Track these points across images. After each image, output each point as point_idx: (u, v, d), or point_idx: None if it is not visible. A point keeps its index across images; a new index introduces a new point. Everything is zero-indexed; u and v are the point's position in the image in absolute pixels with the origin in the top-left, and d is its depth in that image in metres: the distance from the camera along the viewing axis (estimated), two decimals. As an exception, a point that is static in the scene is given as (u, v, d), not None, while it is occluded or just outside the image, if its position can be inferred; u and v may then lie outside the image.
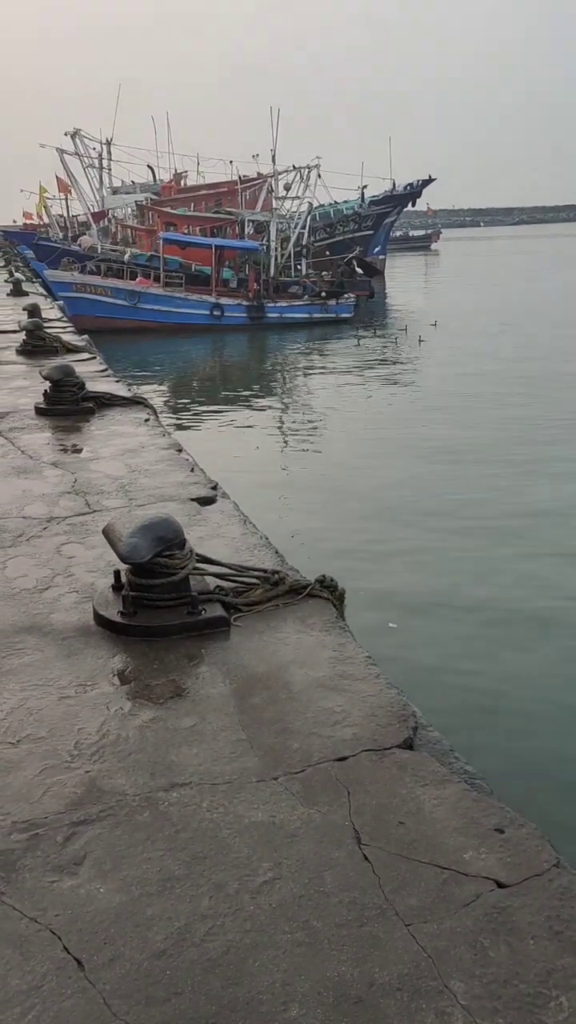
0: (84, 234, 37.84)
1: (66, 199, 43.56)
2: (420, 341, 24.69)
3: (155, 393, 18.29)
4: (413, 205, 51.04)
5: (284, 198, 33.84)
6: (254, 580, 3.23)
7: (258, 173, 38.96)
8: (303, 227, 31.84)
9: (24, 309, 12.54)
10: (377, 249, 46.05)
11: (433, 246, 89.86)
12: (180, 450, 5.52)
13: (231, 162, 46.00)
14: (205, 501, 4.41)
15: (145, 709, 2.54)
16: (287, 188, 33.65)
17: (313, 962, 1.65)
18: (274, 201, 33.59)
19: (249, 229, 31.85)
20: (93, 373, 8.23)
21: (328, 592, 3.21)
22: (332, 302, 29.07)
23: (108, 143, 40.87)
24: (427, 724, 2.47)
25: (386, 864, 1.90)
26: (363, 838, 1.98)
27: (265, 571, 3.27)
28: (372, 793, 2.13)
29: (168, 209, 35.78)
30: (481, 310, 29.53)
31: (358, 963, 1.65)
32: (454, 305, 33.60)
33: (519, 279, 48.06)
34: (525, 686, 6.27)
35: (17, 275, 21.16)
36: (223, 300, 27.89)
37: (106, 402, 6.80)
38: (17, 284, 18.46)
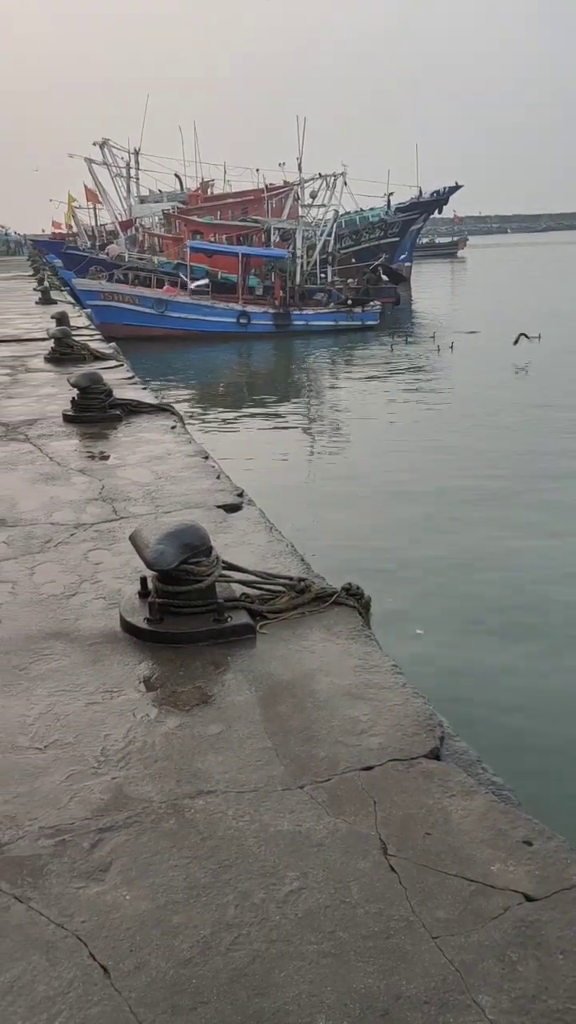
0: (112, 243, 38.16)
1: (94, 208, 44.03)
2: (451, 347, 24.61)
3: (182, 400, 18.39)
4: (440, 212, 50.90)
5: (310, 206, 33.95)
6: (280, 587, 3.23)
7: (284, 181, 39.11)
8: (329, 234, 31.89)
9: (52, 317, 12.68)
10: (403, 256, 45.96)
11: (459, 253, 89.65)
12: (206, 457, 5.54)
13: (257, 170, 46.30)
14: (231, 508, 4.42)
15: (171, 716, 2.55)
16: (313, 196, 33.75)
17: (339, 973, 1.64)
18: (300, 209, 33.70)
19: (275, 237, 31.96)
20: (120, 380, 8.29)
21: (354, 600, 3.20)
22: (358, 309, 29.07)
23: (136, 152, 41.26)
24: (454, 734, 2.45)
25: (413, 875, 1.88)
26: (389, 849, 1.96)
27: (291, 578, 3.27)
28: (398, 803, 2.12)
29: (195, 217, 36.01)
30: (512, 317, 29.30)
31: (385, 975, 1.63)
32: (482, 313, 33.43)
33: (548, 286, 47.73)
34: (556, 695, 6.20)
35: (46, 283, 21.40)
36: (249, 308, 28.00)
37: (133, 409, 6.85)
38: (46, 292, 18.68)
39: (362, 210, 45.22)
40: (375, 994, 1.59)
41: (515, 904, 1.80)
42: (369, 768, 2.26)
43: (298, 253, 30.13)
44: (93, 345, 10.64)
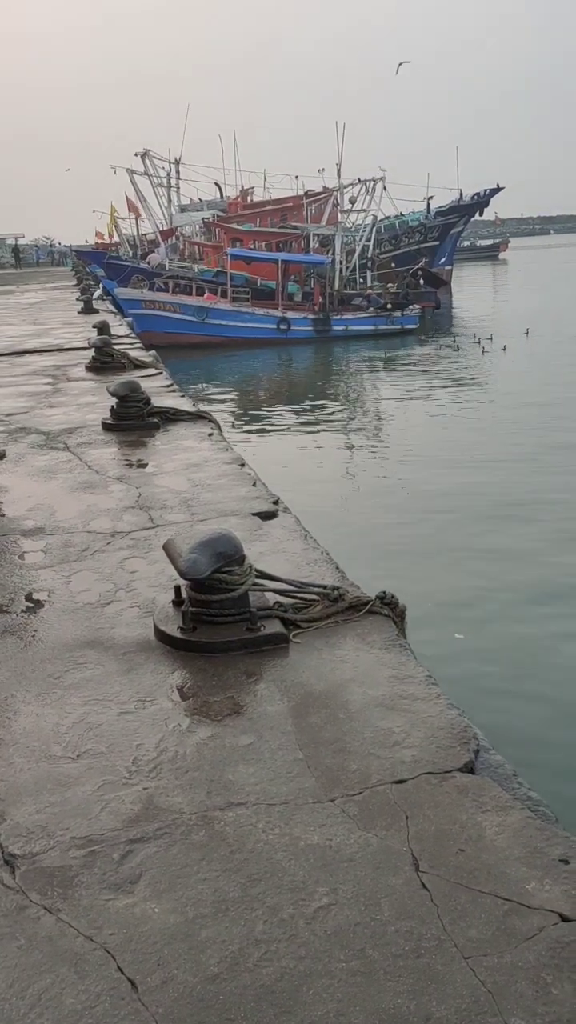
0: (153, 252, 38.55)
1: (136, 218, 44.53)
2: (503, 349, 24.38)
3: (221, 407, 18.46)
4: (481, 215, 50.53)
5: (350, 211, 33.92)
6: (314, 596, 3.21)
7: (324, 187, 39.15)
8: (368, 239, 31.83)
9: (94, 326, 12.83)
10: (443, 260, 45.68)
11: (501, 255, 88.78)
12: (243, 464, 5.54)
13: (297, 177, 46.39)
14: (267, 516, 4.41)
15: (203, 726, 2.54)
16: (352, 201, 33.72)
17: (368, 993, 1.61)
18: (339, 214, 33.68)
19: (314, 243, 31.99)
20: (159, 388, 8.35)
21: (388, 609, 3.16)
22: (397, 313, 28.96)
23: (177, 162, 41.64)
24: (489, 747, 2.40)
25: (445, 893, 1.84)
26: (421, 865, 1.93)
27: (325, 587, 3.25)
28: (431, 818, 2.08)
29: (234, 225, 36.21)
30: (557, 319, 28.90)
31: (415, 995, 1.60)
32: (525, 315, 33.03)
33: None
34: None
35: (89, 293, 21.68)
36: (289, 314, 28.06)
37: (171, 417, 6.89)
38: (88, 302, 18.91)
39: (401, 214, 45.07)
40: (405, 1015, 1.56)
41: (550, 924, 1.75)
42: (402, 781, 2.23)
43: (337, 259, 30.12)
44: (133, 353, 10.73)
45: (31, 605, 3.50)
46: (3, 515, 4.77)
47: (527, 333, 27.01)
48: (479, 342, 26.09)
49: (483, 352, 24.49)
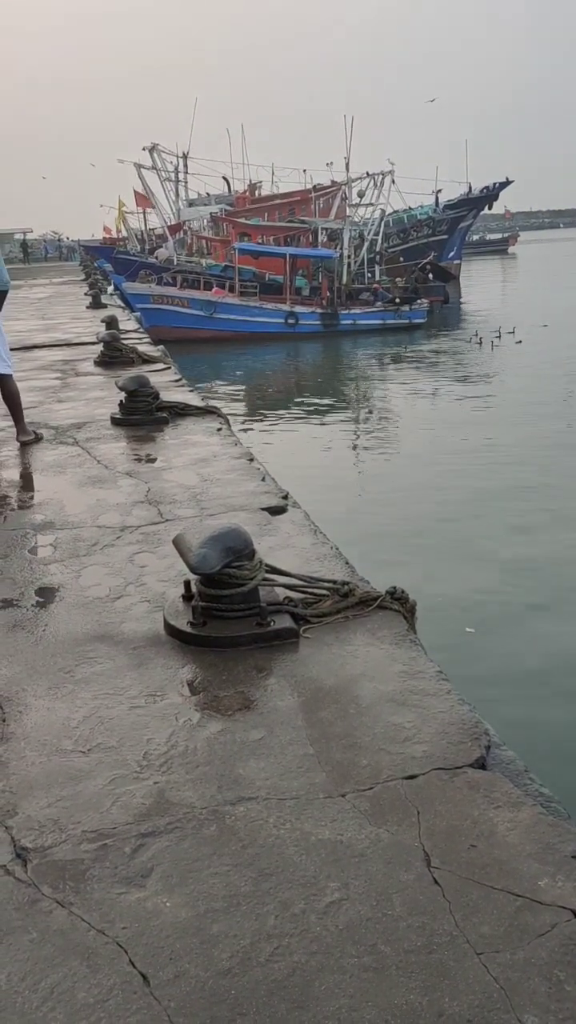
0: (161, 246, 38.52)
1: (144, 213, 44.46)
2: (519, 342, 24.27)
3: (229, 402, 18.46)
4: (490, 208, 50.23)
5: (358, 205, 33.78)
6: (324, 591, 3.20)
7: (332, 181, 39.01)
8: (376, 233, 31.71)
9: (102, 321, 12.83)
10: (452, 254, 45.48)
11: (511, 249, 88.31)
12: (252, 459, 5.53)
13: (304, 171, 46.28)
14: (276, 511, 4.41)
15: (213, 721, 2.54)
16: (361, 195, 33.57)
17: (380, 988, 1.61)
18: (347, 209, 33.56)
19: (323, 237, 31.89)
20: (167, 383, 8.35)
21: (399, 604, 3.15)
22: (405, 308, 28.87)
23: (185, 156, 41.55)
24: (500, 743, 2.40)
25: (457, 889, 1.84)
26: (433, 860, 1.92)
27: (335, 582, 3.24)
28: (442, 814, 2.08)
29: (242, 219, 36.13)
30: (565, 313, 28.72)
31: (427, 992, 1.60)
32: (535, 309, 32.88)
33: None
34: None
35: (98, 288, 21.69)
36: (297, 308, 28.01)
37: (180, 412, 6.88)
38: (96, 297, 18.92)
39: (410, 208, 44.87)
40: (417, 1011, 1.56)
41: (563, 921, 1.74)
42: (413, 777, 2.22)
43: (345, 253, 30.04)
44: (141, 348, 10.73)
45: (41, 600, 3.51)
46: (13, 509, 4.78)
47: (545, 326, 26.76)
48: (499, 335, 25.87)
49: (492, 347, 24.37)
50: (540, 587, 8.03)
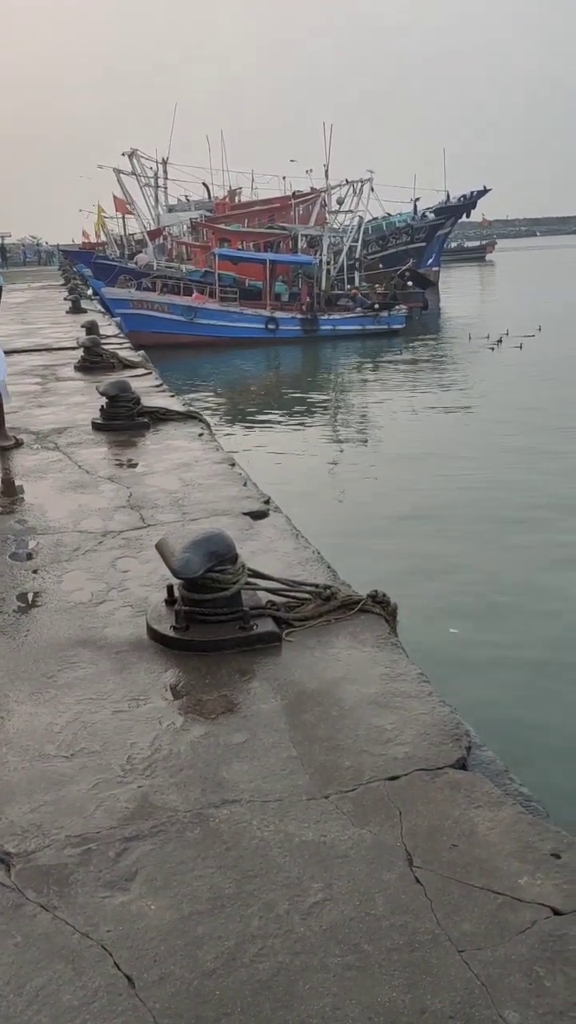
0: (140, 252, 38.46)
1: (123, 218, 44.40)
2: (494, 346, 24.46)
3: (210, 407, 18.45)
4: (468, 216, 50.68)
5: (337, 212, 33.95)
6: (306, 595, 3.23)
7: (311, 188, 39.17)
8: (355, 240, 31.87)
9: (82, 326, 12.80)
10: (431, 261, 45.80)
11: (488, 257, 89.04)
12: (233, 464, 5.55)
13: (284, 178, 46.41)
14: (257, 515, 4.43)
15: (197, 724, 2.55)
16: (340, 202, 33.75)
17: (364, 987, 1.63)
18: (327, 215, 33.71)
19: (302, 243, 32.01)
20: (148, 388, 8.35)
21: (380, 607, 3.18)
22: (384, 314, 29.05)
23: (164, 162, 41.56)
24: (481, 744, 2.43)
25: (439, 888, 1.86)
26: (415, 860, 1.95)
27: (317, 586, 3.27)
28: (424, 814, 2.10)
29: (222, 225, 36.18)
30: (540, 319, 28.94)
31: (410, 989, 1.62)
32: (511, 315, 33.15)
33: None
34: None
35: (77, 292, 21.62)
36: (277, 314, 28.09)
37: (161, 417, 6.89)
38: (76, 301, 18.86)
39: (389, 215, 45.17)
40: (400, 1008, 1.58)
41: (543, 918, 1.77)
42: (395, 778, 2.24)
43: (324, 259, 30.16)
44: (122, 353, 10.72)
45: (23, 605, 3.50)
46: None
47: (539, 329, 26.90)
48: (498, 340, 25.98)
49: (493, 350, 24.55)
50: (523, 588, 8.10)
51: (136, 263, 34.75)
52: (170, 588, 3.20)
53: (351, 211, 33.15)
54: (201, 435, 6.44)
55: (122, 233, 45.80)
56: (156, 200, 41.17)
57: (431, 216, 44.50)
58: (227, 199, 45.69)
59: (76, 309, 18.17)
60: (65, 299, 20.85)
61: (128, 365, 9.92)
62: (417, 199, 46.78)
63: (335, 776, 2.26)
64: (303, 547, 3.94)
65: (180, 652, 2.97)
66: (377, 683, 2.73)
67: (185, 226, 41.47)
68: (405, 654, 2.94)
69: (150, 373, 9.60)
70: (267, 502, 4.64)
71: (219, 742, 2.45)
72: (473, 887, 1.86)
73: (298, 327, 28.19)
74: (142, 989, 1.65)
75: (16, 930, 1.80)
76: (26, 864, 1.99)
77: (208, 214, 40.58)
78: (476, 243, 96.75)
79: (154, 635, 3.07)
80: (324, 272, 29.95)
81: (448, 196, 47.61)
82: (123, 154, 38.04)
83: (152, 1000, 1.62)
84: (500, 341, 25.58)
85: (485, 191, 48.21)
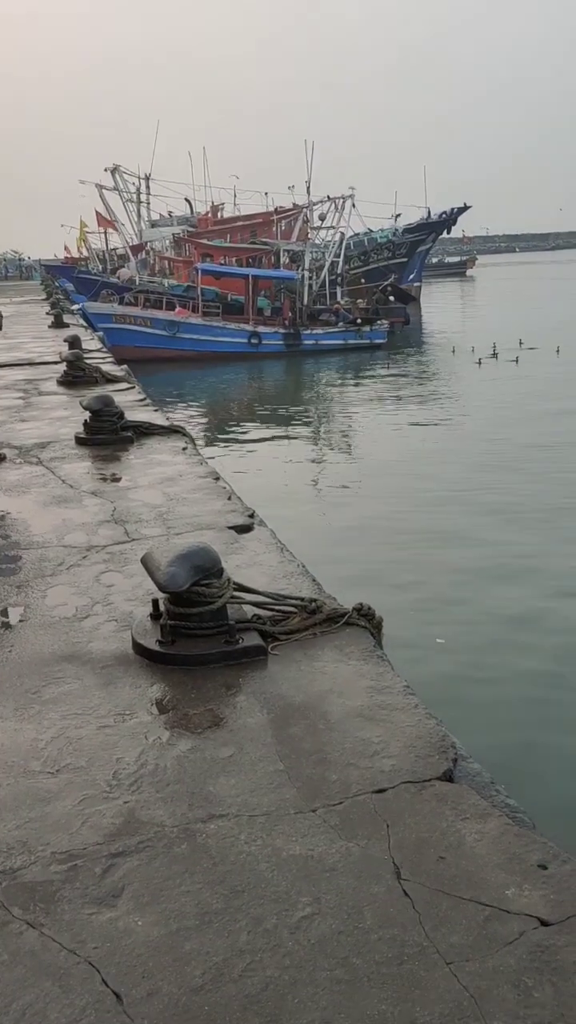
0: (123, 267, 38.52)
1: (105, 233, 44.50)
2: (477, 363, 24.66)
3: (194, 421, 18.47)
4: (448, 232, 51.19)
5: (319, 228, 34.20)
6: (291, 608, 3.23)
7: (293, 204, 39.45)
8: (337, 255, 32.11)
9: (65, 340, 12.79)
10: (412, 276, 46.19)
11: (469, 272, 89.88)
12: (217, 478, 5.56)
13: (266, 194, 46.75)
14: (242, 529, 4.43)
15: (183, 739, 2.55)
16: (322, 218, 34.00)
17: (353, 1000, 1.63)
18: (309, 231, 33.94)
19: (284, 258, 32.20)
20: (132, 403, 8.35)
21: (366, 620, 3.19)
22: (366, 328, 29.26)
23: (147, 178, 41.75)
24: (467, 755, 2.43)
25: (427, 900, 1.87)
26: (403, 873, 1.95)
27: (302, 599, 3.27)
28: (411, 826, 2.10)
29: (204, 240, 36.33)
30: (529, 334, 29.23)
31: (398, 1002, 1.62)
32: (491, 330, 33.46)
33: (561, 304, 47.68)
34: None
35: (59, 307, 21.62)
36: (260, 328, 28.22)
37: (145, 431, 6.89)
38: (58, 316, 18.85)
39: (370, 231, 45.55)
40: (389, 1021, 1.58)
41: (530, 929, 1.78)
42: (382, 791, 2.25)
43: (306, 274, 30.36)
44: (105, 368, 10.72)
45: (6, 620, 3.48)
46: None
47: (521, 345, 27.15)
48: (494, 354, 26.16)
49: (480, 364, 24.72)
50: (508, 598, 8.14)
51: (119, 278, 34.80)
52: (155, 602, 3.19)
53: (333, 227, 33.41)
54: (185, 449, 6.45)
55: (104, 248, 45.89)
56: (139, 215, 41.31)
57: (400, 234, 44.98)
58: (210, 214, 45.89)
59: (58, 323, 18.15)
60: (47, 313, 20.82)
61: (111, 379, 9.92)
62: (398, 215, 47.25)
63: (322, 789, 2.26)
64: (288, 560, 3.95)
65: (166, 666, 2.96)
66: (363, 696, 2.73)
67: (168, 241, 41.62)
68: (391, 666, 2.95)
69: (133, 387, 9.60)
70: (252, 516, 4.65)
71: (205, 756, 2.44)
72: (461, 899, 1.86)
73: (281, 341, 28.34)
74: (130, 1006, 1.63)
75: (2, 948, 1.79)
76: (12, 881, 1.98)
77: (191, 229, 40.75)
78: (457, 259, 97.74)
79: (139, 649, 3.06)
80: (306, 287, 30.14)
81: (429, 212, 48.08)
82: (106, 169, 38.19)
83: (140, 1017, 1.61)
84: (495, 355, 25.79)
85: (465, 208, 48.74)
